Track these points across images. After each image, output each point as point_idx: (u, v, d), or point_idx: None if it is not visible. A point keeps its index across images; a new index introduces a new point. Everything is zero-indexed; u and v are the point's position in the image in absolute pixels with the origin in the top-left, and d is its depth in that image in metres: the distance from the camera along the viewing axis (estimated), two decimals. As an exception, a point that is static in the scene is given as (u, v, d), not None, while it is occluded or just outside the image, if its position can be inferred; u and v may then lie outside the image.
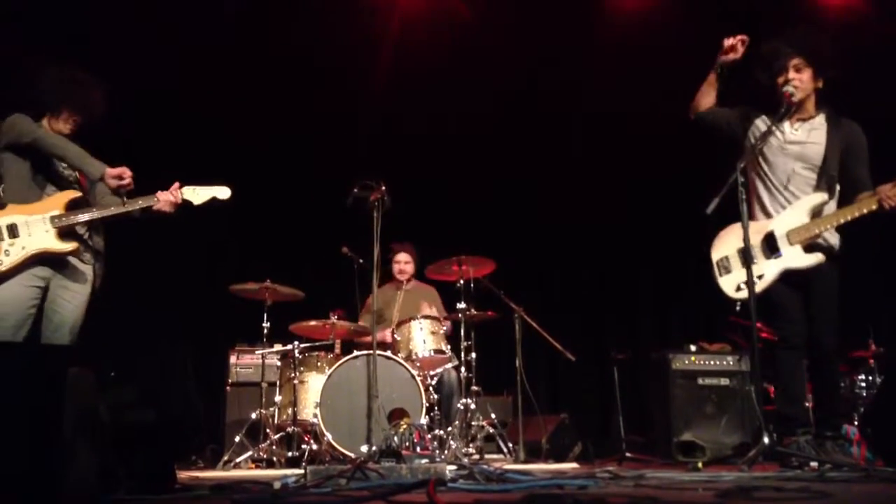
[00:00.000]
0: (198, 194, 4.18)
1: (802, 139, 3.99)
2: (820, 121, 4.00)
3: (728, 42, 4.04)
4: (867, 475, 3.05)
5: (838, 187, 3.96)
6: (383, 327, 5.71)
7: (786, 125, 4.01)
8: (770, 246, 3.92)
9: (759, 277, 3.85)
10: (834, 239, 3.97)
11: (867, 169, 3.95)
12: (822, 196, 3.91)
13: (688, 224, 7.62)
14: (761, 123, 4.07)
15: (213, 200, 4.20)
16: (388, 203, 4.68)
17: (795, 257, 3.89)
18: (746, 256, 3.71)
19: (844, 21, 6.84)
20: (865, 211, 3.80)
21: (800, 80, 3.93)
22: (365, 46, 7.18)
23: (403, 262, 6.10)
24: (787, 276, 3.91)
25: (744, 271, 3.91)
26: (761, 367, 3.78)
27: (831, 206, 3.92)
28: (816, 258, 3.86)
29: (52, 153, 3.94)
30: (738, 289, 4.02)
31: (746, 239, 3.72)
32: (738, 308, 4.30)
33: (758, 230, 3.96)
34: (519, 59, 7.37)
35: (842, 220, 3.83)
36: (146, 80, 6.39)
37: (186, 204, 4.16)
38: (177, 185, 4.15)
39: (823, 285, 3.90)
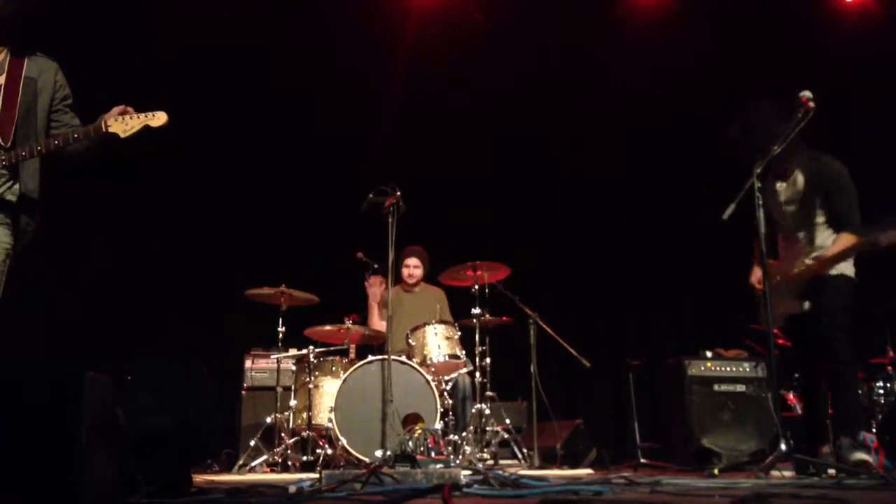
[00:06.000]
0: (126, 123, 3.27)
1: (788, 195, 4.16)
2: (799, 176, 4.12)
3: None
4: (885, 482, 3.03)
5: (823, 231, 4.06)
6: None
7: (776, 185, 4.19)
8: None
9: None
10: (845, 268, 4.02)
11: (846, 203, 4.02)
12: (806, 242, 4.08)
13: (705, 229, 7.58)
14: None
15: (146, 129, 3.29)
16: (403, 208, 4.68)
17: (791, 306, 4.08)
18: (762, 264, 3.73)
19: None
20: (806, 271, 4.01)
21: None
22: (381, 51, 7.21)
23: (412, 267, 6.09)
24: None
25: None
26: (777, 374, 3.78)
27: (824, 243, 4.03)
28: (806, 306, 4.02)
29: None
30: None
31: (761, 248, 3.76)
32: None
33: (774, 272, 4.12)
34: (535, 62, 7.38)
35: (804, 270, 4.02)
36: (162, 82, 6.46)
37: (112, 137, 3.26)
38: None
39: (831, 298, 3.95)
